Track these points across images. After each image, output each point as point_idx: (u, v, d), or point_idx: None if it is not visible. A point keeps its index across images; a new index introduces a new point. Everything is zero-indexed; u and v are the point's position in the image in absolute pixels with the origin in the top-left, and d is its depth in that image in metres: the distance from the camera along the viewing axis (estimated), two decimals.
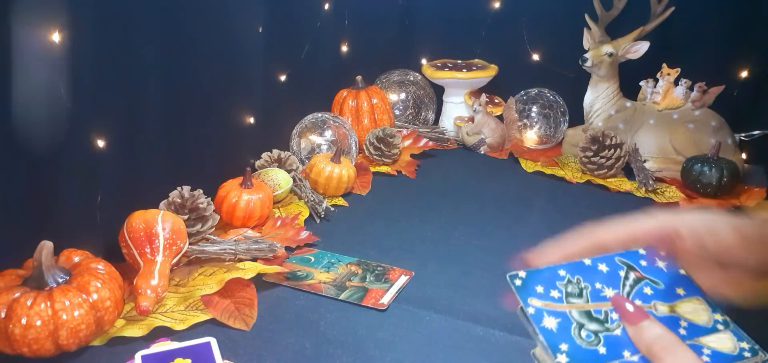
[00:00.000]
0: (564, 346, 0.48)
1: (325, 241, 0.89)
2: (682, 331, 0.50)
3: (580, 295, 0.53)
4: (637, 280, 0.55)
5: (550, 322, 0.50)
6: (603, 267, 0.55)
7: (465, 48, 1.38)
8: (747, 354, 0.50)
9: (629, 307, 0.51)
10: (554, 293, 0.53)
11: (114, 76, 0.77)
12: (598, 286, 0.54)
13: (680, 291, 0.54)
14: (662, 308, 0.52)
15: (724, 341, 0.51)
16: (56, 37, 0.67)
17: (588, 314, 0.51)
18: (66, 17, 0.67)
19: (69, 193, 0.73)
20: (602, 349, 0.49)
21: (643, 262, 0.57)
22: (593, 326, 0.50)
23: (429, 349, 0.66)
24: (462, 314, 0.72)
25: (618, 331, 0.49)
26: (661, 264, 0.57)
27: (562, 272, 0.55)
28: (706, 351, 0.50)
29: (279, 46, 1.07)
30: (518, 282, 0.54)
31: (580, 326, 0.50)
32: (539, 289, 0.53)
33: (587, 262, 0.57)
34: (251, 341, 0.67)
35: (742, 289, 0.54)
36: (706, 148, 1.03)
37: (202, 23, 0.88)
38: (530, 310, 0.51)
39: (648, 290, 0.54)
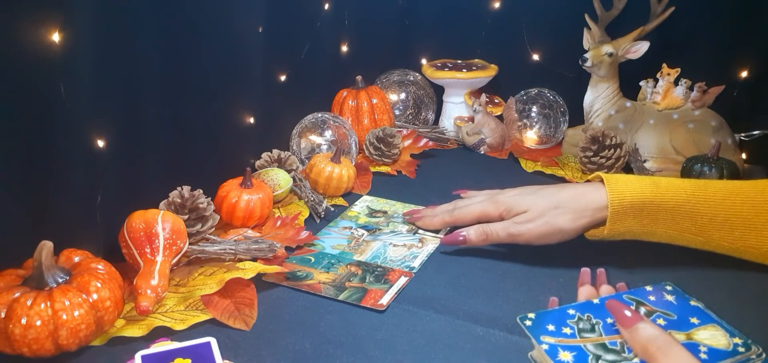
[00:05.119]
0: None
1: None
2: (703, 356, 0.50)
3: (592, 330, 0.53)
4: (649, 314, 0.55)
5: (566, 356, 0.50)
6: None
7: (465, 48, 1.38)
8: (741, 349, 0.51)
9: (625, 311, 0.51)
10: (566, 330, 0.53)
11: (114, 76, 0.77)
12: (609, 321, 0.54)
13: (694, 320, 0.54)
14: (679, 336, 0.52)
15: (718, 338, 0.52)
16: (56, 37, 0.67)
17: (603, 346, 0.51)
18: (66, 17, 0.67)
19: (69, 193, 0.73)
20: None
21: (652, 297, 0.58)
22: (610, 356, 0.50)
23: (429, 349, 0.66)
24: (462, 314, 0.72)
25: (636, 360, 0.50)
26: (669, 297, 0.58)
27: (571, 311, 0.56)
28: (702, 348, 0.51)
29: (279, 46, 1.07)
30: (528, 322, 0.55)
31: (597, 358, 0.50)
32: (550, 327, 0.54)
33: (595, 301, 0.58)
34: (251, 341, 0.67)
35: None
36: (706, 148, 1.03)
37: (202, 23, 0.89)
38: (544, 347, 0.51)
39: (661, 321, 0.54)
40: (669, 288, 0.60)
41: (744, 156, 1.13)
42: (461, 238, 0.83)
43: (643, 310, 0.56)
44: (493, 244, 0.83)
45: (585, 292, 0.64)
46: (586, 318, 0.55)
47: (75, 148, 0.72)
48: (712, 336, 0.52)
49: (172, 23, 0.84)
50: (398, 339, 0.68)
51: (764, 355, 0.50)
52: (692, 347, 0.51)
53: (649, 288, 0.59)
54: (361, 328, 0.70)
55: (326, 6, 1.19)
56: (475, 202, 0.87)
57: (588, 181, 0.84)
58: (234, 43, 0.95)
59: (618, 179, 0.79)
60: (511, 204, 0.83)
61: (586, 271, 0.69)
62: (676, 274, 0.78)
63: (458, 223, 0.87)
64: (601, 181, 0.80)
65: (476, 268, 0.82)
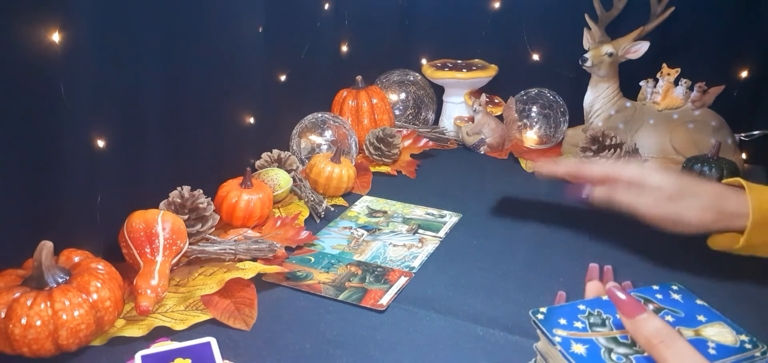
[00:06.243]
0: None
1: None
2: (712, 352, 0.50)
3: (603, 324, 0.54)
4: (657, 310, 0.55)
5: (579, 348, 0.50)
6: None
7: (465, 48, 1.38)
8: (748, 345, 0.51)
9: (625, 299, 0.51)
10: (578, 324, 0.53)
11: (114, 76, 0.77)
12: (619, 315, 0.54)
13: (701, 317, 0.55)
14: (687, 333, 0.52)
15: (725, 335, 0.52)
16: (56, 37, 0.67)
17: (615, 340, 0.51)
18: (66, 17, 0.67)
19: (69, 193, 0.73)
20: None
21: (659, 296, 0.58)
22: (622, 349, 0.50)
23: (429, 349, 0.66)
24: (462, 314, 0.72)
25: (646, 352, 0.50)
26: (676, 296, 0.58)
27: (581, 307, 0.56)
28: (711, 344, 0.51)
29: (279, 46, 1.07)
30: (540, 316, 0.55)
31: (609, 351, 0.50)
32: (562, 321, 0.54)
33: (604, 297, 0.58)
34: (251, 341, 0.67)
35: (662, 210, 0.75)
36: (706, 148, 1.03)
37: (202, 23, 0.89)
38: (557, 339, 0.51)
39: (669, 318, 0.55)
40: (675, 288, 0.60)
41: (744, 156, 1.13)
42: (585, 196, 0.81)
43: (651, 306, 0.56)
44: (612, 207, 0.79)
45: (593, 288, 0.63)
46: (596, 313, 0.55)
47: (75, 148, 0.72)
48: (720, 333, 0.52)
49: (172, 23, 0.84)
50: (398, 339, 0.68)
51: None
52: (700, 343, 0.51)
53: (655, 287, 0.60)
54: (361, 328, 0.69)
55: (326, 6, 1.19)
56: (604, 163, 0.85)
57: (727, 183, 0.78)
58: (234, 43, 0.95)
59: (761, 189, 0.73)
60: (644, 177, 0.77)
61: (594, 266, 0.68)
62: (676, 276, 0.79)
63: (582, 176, 0.83)
64: (742, 187, 0.74)
65: (476, 268, 0.82)
